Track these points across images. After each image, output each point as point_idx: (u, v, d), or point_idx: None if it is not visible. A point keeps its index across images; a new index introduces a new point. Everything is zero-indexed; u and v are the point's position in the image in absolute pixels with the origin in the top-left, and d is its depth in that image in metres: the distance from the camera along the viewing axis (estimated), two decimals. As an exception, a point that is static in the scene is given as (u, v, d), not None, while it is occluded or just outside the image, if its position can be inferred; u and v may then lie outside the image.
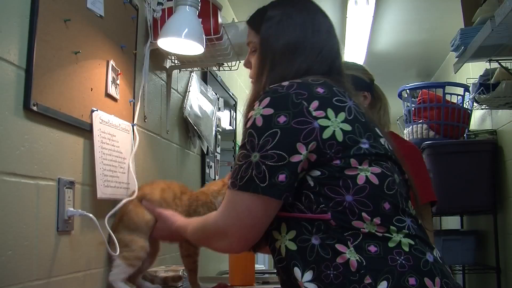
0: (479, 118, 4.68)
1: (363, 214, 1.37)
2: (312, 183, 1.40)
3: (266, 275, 2.96)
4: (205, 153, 3.59)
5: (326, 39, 1.63)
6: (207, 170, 3.64)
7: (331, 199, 1.37)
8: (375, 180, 1.40)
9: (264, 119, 1.40)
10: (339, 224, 1.36)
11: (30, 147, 1.64)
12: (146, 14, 2.57)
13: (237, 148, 4.59)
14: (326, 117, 1.41)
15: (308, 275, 1.36)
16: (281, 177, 1.37)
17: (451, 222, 5.28)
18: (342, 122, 1.42)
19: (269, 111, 1.40)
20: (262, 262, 5.24)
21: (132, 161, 2.28)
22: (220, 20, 2.61)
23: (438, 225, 5.50)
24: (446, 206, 3.85)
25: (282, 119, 1.39)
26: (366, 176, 1.39)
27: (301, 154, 1.38)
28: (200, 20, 2.42)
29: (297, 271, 1.38)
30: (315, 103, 1.42)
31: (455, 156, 3.90)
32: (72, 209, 1.83)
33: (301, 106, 1.41)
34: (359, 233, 1.36)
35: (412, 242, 1.38)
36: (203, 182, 3.57)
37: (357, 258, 1.33)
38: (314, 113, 1.40)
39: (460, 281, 4.77)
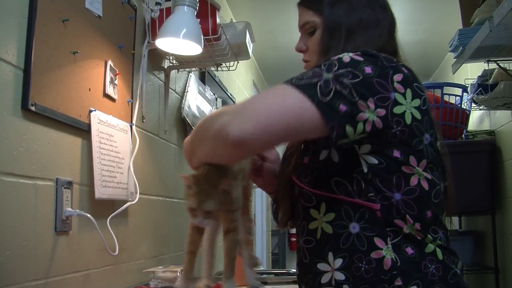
0: (477, 118, 4.69)
1: (407, 216, 1.33)
2: (366, 169, 1.32)
3: (264, 276, 2.96)
4: (203, 153, 3.58)
5: (391, 15, 1.58)
6: (205, 171, 3.62)
7: (380, 192, 1.32)
8: (425, 186, 1.36)
9: (351, 60, 1.30)
10: (384, 217, 1.32)
11: (28, 147, 1.64)
12: (144, 14, 2.57)
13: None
14: (404, 95, 1.34)
15: (338, 262, 1.34)
16: (342, 107, 1.24)
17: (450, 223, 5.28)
18: (415, 108, 1.36)
19: (359, 57, 1.30)
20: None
21: (132, 162, 2.28)
22: (218, 21, 2.61)
23: (436, 226, 5.50)
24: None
25: (368, 69, 1.28)
26: (419, 179, 1.35)
27: (369, 109, 1.27)
28: (198, 20, 2.42)
29: (330, 256, 1.35)
30: (399, 76, 1.34)
31: (453, 157, 3.87)
32: (70, 209, 1.83)
33: (387, 70, 1.32)
34: (401, 232, 1.32)
35: (446, 252, 1.38)
36: (201, 182, 3.56)
37: (393, 257, 1.30)
38: (395, 85, 1.32)
39: (458, 282, 4.77)
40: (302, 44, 1.60)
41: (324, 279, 1.36)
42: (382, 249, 1.31)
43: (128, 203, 2.23)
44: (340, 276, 1.33)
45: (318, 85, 1.24)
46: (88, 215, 1.87)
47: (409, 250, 1.32)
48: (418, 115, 1.36)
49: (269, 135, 1.23)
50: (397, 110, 1.32)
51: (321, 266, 1.37)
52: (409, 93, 1.35)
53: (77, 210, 1.85)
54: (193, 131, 1.40)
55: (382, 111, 1.29)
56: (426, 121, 1.39)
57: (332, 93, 1.24)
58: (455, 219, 4.93)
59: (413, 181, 1.34)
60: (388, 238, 1.32)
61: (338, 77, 1.26)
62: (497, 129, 4.18)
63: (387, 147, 1.32)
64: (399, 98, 1.32)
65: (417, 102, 1.36)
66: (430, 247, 1.34)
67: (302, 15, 1.59)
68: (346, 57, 1.31)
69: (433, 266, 1.32)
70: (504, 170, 4.02)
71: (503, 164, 4.03)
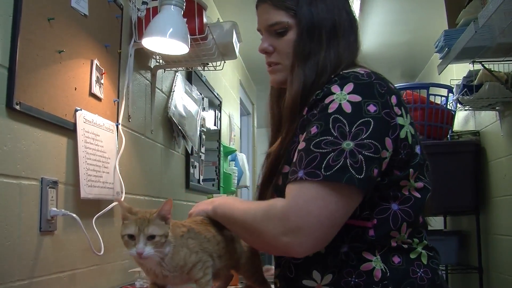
0: (462, 119, 4.71)
1: (404, 224, 1.34)
2: None
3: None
4: (190, 153, 3.59)
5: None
6: (191, 170, 3.63)
7: (377, 206, 1.33)
8: (417, 195, 1.38)
9: (352, 105, 1.27)
10: (376, 234, 1.33)
11: (13, 147, 1.63)
12: (131, 13, 2.56)
13: (222, 148, 4.59)
14: (402, 115, 1.35)
15: (327, 279, 1.34)
16: (375, 171, 1.25)
17: (434, 223, 5.30)
18: (409, 124, 1.37)
19: (357, 97, 1.28)
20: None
21: (118, 161, 2.27)
22: (205, 20, 2.60)
23: (422, 226, 5.52)
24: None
25: (372, 108, 1.27)
26: (409, 190, 1.37)
27: (388, 150, 1.28)
28: (185, 19, 2.41)
29: (316, 274, 1.35)
30: (394, 98, 1.34)
31: (439, 157, 3.91)
32: (55, 209, 1.82)
33: (386, 98, 1.32)
34: (388, 245, 1.34)
35: (431, 254, 1.40)
36: (187, 182, 3.56)
37: (382, 267, 1.31)
38: (395, 109, 1.33)
39: (443, 281, 4.79)
40: (267, 45, 1.52)
41: None
42: (372, 261, 1.32)
43: (114, 203, 2.22)
44: None
45: (349, 165, 1.22)
46: (74, 215, 1.86)
47: (396, 259, 1.33)
48: (412, 130, 1.38)
49: (331, 238, 1.27)
50: (402, 134, 1.33)
51: (307, 282, 1.37)
52: (403, 111, 1.36)
53: (62, 210, 1.84)
54: (230, 214, 1.44)
55: (394, 142, 1.31)
56: (415, 131, 1.40)
57: (363, 163, 1.23)
58: (440, 219, 4.95)
59: (405, 191, 1.36)
60: (376, 251, 1.33)
61: (358, 140, 1.24)
62: (482, 129, 4.20)
63: (390, 168, 1.33)
64: (400, 120, 1.34)
65: (409, 117, 1.38)
66: (416, 251, 1.37)
67: (270, 14, 1.49)
68: (346, 104, 1.28)
69: (421, 271, 1.34)
70: (488, 171, 4.04)
71: (488, 164, 4.05)
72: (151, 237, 1.31)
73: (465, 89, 3.58)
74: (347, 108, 1.27)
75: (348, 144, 1.23)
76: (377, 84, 1.33)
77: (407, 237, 1.36)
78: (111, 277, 2.28)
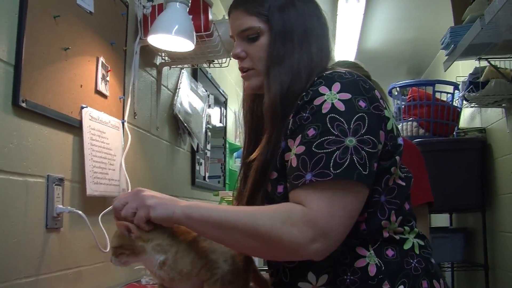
0: (468, 116, 4.70)
1: (392, 212, 1.36)
2: None
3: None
4: (195, 150, 3.59)
5: (328, 28, 1.55)
6: (197, 167, 3.63)
7: (369, 199, 1.32)
8: (401, 183, 1.41)
9: (345, 103, 1.28)
10: (368, 227, 1.34)
11: (18, 144, 1.64)
12: (136, 10, 2.57)
13: (227, 145, 4.58)
14: (386, 108, 1.38)
15: (323, 279, 1.34)
16: (375, 165, 1.29)
17: (440, 220, 5.30)
18: (393, 116, 1.41)
19: (346, 95, 1.30)
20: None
21: (124, 158, 2.28)
22: (210, 17, 2.60)
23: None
24: (435, 203, 3.86)
25: (362, 104, 1.30)
26: (394, 179, 1.39)
27: (381, 143, 1.32)
28: (191, 17, 2.41)
29: (311, 276, 1.35)
30: (377, 93, 1.37)
31: (445, 154, 3.91)
32: (61, 206, 1.82)
33: (371, 93, 1.34)
34: (380, 237, 1.35)
35: (422, 243, 1.41)
36: (193, 179, 3.56)
37: (377, 262, 1.32)
38: (381, 102, 1.36)
39: (448, 279, 4.79)
40: (240, 51, 1.52)
41: None
42: (366, 256, 1.33)
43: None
44: None
45: (356, 161, 1.23)
46: (80, 212, 1.86)
47: (390, 252, 1.34)
48: (395, 122, 1.41)
49: (345, 236, 1.26)
50: (389, 126, 1.37)
51: (302, 285, 1.37)
52: (386, 105, 1.40)
53: (68, 207, 1.85)
54: (218, 215, 1.30)
55: (385, 136, 1.34)
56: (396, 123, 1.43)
57: (366, 160, 1.25)
58: (446, 216, 4.95)
59: (391, 181, 1.38)
60: (370, 245, 1.34)
61: (359, 136, 1.26)
62: (488, 126, 4.19)
63: (378, 161, 1.34)
64: (387, 113, 1.37)
65: (391, 110, 1.41)
66: (409, 242, 1.38)
67: (242, 20, 1.50)
68: (338, 103, 1.29)
69: (414, 261, 1.35)
70: (494, 168, 4.04)
71: (494, 161, 4.05)
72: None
73: (471, 86, 3.57)
74: (341, 107, 1.28)
75: (350, 141, 1.24)
76: (360, 80, 1.35)
77: (398, 225, 1.38)
78: (116, 275, 2.28)
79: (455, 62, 3.44)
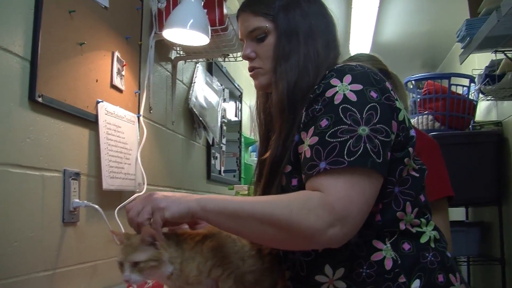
0: (484, 109, 4.66)
1: (407, 204, 1.36)
2: None
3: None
4: (211, 144, 3.59)
5: (334, 21, 1.58)
6: (212, 161, 3.64)
7: (382, 189, 1.32)
8: (415, 174, 1.41)
9: (356, 94, 1.30)
10: (383, 218, 1.34)
11: (35, 139, 1.65)
12: (151, 5, 2.57)
13: (243, 139, 4.59)
14: (397, 100, 1.39)
15: (339, 273, 1.34)
16: (388, 154, 1.30)
17: (456, 214, 5.27)
18: (404, 108, 1.41)
19: (358, 86, 1.31)
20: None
21: (139, 153, 2.28)
22: (225, 11, 2.60)
23: (443, 216, 5.48)
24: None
25: (373, 94, 1.31)
26: (408, 170, 1.40)
27: (394, 133, 1.33)
28: (205, 10, 2.41)
29: (328, 269, 1.36)
30: (388, 84, 1.39)
31: (460, 148, 3.88)
32: (77, 200, 1.83)
33: (382, 84, 1.36)
34: (397, 230, 1.35)
35: (438, 236, 1.41)
36: (208, 173, 3.57)
37: (393, 255, 1.32)
38: (392, 93, 1.37)
39: (464, 273, 4.77)
40: (249, 51, 1.55)
41: None
42: (382, 250, 1.33)
43: (136, 194, 2.23)
44: (341, 284, 1.34)
45: (369, 150, 1.24)
46: (96, 206, 1.87)
47: (406, 246, 1.34)
48: (406, 114, 1.41)
49: (360, 226, 1.25)
50: (400, 116, 1.37)
51: (319, 278, 1.38)
52: (397, 96, 1.40)
53: (85, 201, 1.86)
54: (233, 207, 1.29)
55: (397, 126, 1.35)
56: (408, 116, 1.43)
57: (380, 148, 1.26)
58: (462, 210, 4.92)
59: (404, 172, 1.38)
60: (386, 239, 1.34)
61: (372, 125, 1.27)
62: (505, 119, 4.16)
63: (391, 152, 1.34)
64: (398, 104, 1.38)
65: (407, 102, 1.41)
66: (426, 236, 1.38)
67: (250, 21, 1.54)
68: (350, 93, 1.30)
69: (430, 254, 1.35)
70: (511, 161, 4.01)
71: (510, 155, 4.01)
72: (135, 264, 1.28)
73: (487, 78, 3.54)
74: (352, 97, 1.30)
75: (363, 130, 1.25)
76: (371, 72, 1.37)
77: (414, 217, 1.38)
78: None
79: (471, 55, 3.41)
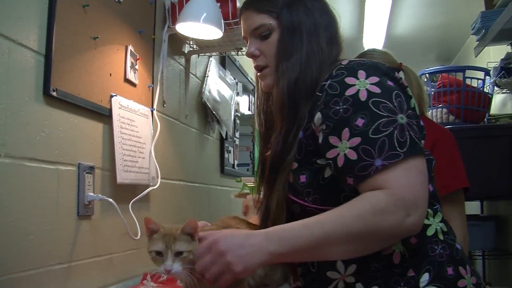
0: (499, 102, 4.63)
1: None
2: None
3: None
4: (224, 138, 3.60)
5: (337, 22, 1.58)
6: (226, 155, 3.64)
7: None
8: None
9: (378, 85, 1.29)
10: None
11: (50, 133, 1.65)
12: (164, -1, 2.57)
13: (256, 133, 4.59)
14: (408, 88, 1.40)
15: (351, 269, 1.34)
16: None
17: (471, 207, 5.24)
18: (413, 97, 1.42)
19: (375, 79, 1.31)
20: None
21: (153, 146, 2.29)
22: (238, 4, 2.60)
23: (458, 210, 5.46)
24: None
25: (390, 83, 1.32)
26: None
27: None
28: (219, 4, 2.41)
29: (340, 265, 1.35)
30: (397, 74, 1.39)
31: (475, 141, 3.86)
32: (92, 194, 1.84)
33: (392, 73, 1.36)
34: None
35: (445, 229, 1.40)
36: (222, 167, 3.57)
37: (401, 249, 1.32)
38: (402, 81, 1.38)
39: (480, 267, 4.75)
40: (254, 49, 1.55)
41: (332, 285, 1.38)
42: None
43: (150, 188, 2.24)
44: (351, 279, 1.34)
45: (414, 137, 1.26)
46: (110, 200, 1.88)
47: (413, 240, 1.33)
48: (416, 103, 1.42)
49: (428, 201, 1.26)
50: (411, 103, 1.37)
51: (331, 274, 1.37)
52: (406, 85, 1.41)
53: (99, 195, 1.87)
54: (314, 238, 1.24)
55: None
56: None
57: (417, 134, 1.29)
58: (477, 204, 4.90)
59: None
60: None
61: (405, 112, 1.29)
62: (520, 112, 4.13)
63: None
64: (409, 91, 1.39)
65: (424, 94, 1.42)
66: (432, 228, 1.37)
67: (253, 19, 1.54)
68: (372, 87, 1.29)
69: (439, 247, 1.35)
70: (527, 154, 3.97)
71: (526, 148, 3.98)
72: (178, 254, 1.29)
73: (503, 71, 3.52)
74: (376, 90, 1.29)
75: (402, 118, 1.26)
76: (379, 64, 1.37)
77: None
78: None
79: (486, 47, 3.40)
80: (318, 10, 1.52)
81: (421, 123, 1.42)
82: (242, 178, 2.33)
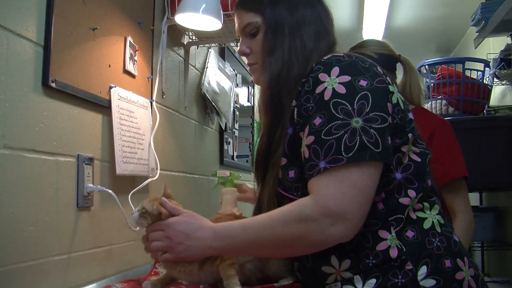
0: (499, 94, 4.63)
1: (410, 190, 1.36)
2: None
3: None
4: (223, 129, 3.60)
5: (329, 11, 1.61)
6: (225, 147, 3.64)
7: (383, 178, 1.33)
8: (417, 159, 1.40)
9: (345, 86, 1.31)
10: (386, 207, 1.35)
11: (49, 124, 1.65)
12: (164, -11, 2.57)
13: (255, 125, 4.59)
14: (391, 84, 1.40)
15: (346, 264, 1.35)
16: (389, 139, 1.31)
17: (470, 199, 5.25)
18: (397, 92, 1.43)
19: (346, 78, 1.32)
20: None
21: (152, 138, 2.29)
22: (237, -4, 2.59)
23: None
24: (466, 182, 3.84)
25: (363, 82, 1.32)
26: (409, 155, 1.40)
27: (390, 115, 1.34)
28: (218, -5, 2.40)
29: (334, 260, 1.37)
30: (380, 69, 1.40)
31: (475, 132, 3.85)
32: (91, 185, 1.84)
33: (372, 70, 1.37)
34: (403, 217, 1.35)
35: (442, 221, 1.41)
36: (221, 158, 3.57)
37: (398, 244, 1.32)
38: (383, 77, 1.38)
39: (479, 258, 4.76)
40: (244, 47, 1.62)
41: (330, 280, 1.39)
42: (387, 239, 1.33)
43: (149, 179, 2.24)
44: (348, 275, 1.35)
45: (366, 141, 1.25)
46: (110, 191, 1.88)
47: (410, 233, 1.35)
48: (402, 97, 1.43)
49: (366, 216, 1.28)
50: (394, 99, 1.38)
51: (326, 269, 1.39)
52: (389, 80, 1.41)
53: (99, 186, 1.87)
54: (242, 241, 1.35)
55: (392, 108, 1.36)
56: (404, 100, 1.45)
57: (377, 137, 1.27)
58: (476, 195, 4.90)
59: (405, 158, 1.39)
60: (392, 228, 1.35)
61: (364, 116, 1.28)
62: (520, 104, 4.13)
63: (390, 137, 1.35)
64: (391, 88, 1.39)
65: (396, 87, 1.43)
66: (428, 221, 1.38)
67: (242, 18, 1.60)
68: (339, 87, 1.31)
69: (437, 240, 1.36)
70: (526, 146, 3.97)
71: (526, 139, 3.98)
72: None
73: (503, 63, 3.52)
74: (341, 90, 1.31)
75: (357, 122, 1.26)
76: (358, 61, 1.38)
77: (417, 202, 1.38)
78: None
79: (486, 39, 3.39)
80: (304, 5, 1.54)
81: (410, 116, 1.43)
82: (217, 171, 2.40)
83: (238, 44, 2.95)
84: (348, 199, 1.23)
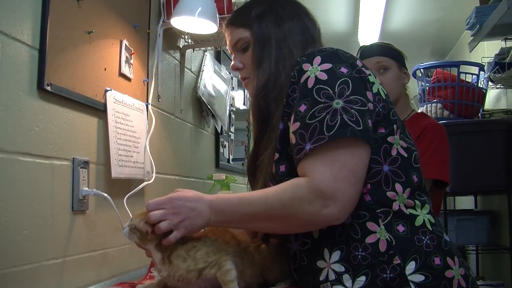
0: (494, 97, 4.64)
1: (397, 184, 1.38)
2: None
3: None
4: (219, 132, 3.60)
5: (316, 21, 1.65)
6: (221, 150, 3.64)
7: (370, 169, 1.37)
8: (404, 153, 1.43)
9: (327, 72, 1.36)
10: (373, 199, 1.37)
11: (44, 127, 1.65)
12: (159, -7, 2.57)
13: (251, 128, 4.58)
14: (371, 75, 1.43)
15: (336, 256, 1.37)
16: (370, 122, 1.34)
17: (465, 202, 5.26)
18: (379, 83, 1.46)
19: (327, 65, 1.37)
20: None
21: (148, 141, 2.29)
22: (233, -1, 2.60)
23: (452, 205, 5.48)
24: (460, 186, 3.83)
25: (344, 70, 1.37)
26: (397, 149, 1.42)
27: (372, 103, 1.38)
28: (214, -1, 2.41)
29: (326, 253, 1.38)
30: (359, 62, 1.43)
31: (470, 136, 3.87)
32: (86, 188, 1.84)
33: (351, 60, 1.41)
34: (391, 210, 1.37)
35: (433, 220, 1.42)
36: (217, 161, 3.57)
37: (387, 237, 1.34)
38: (363, 69, 1.42)
39: (473, 261, 4.77)
40: (237, 63, 1.65)
41: (322, 275, 1.39)
42: (376, 232, 1.35)
43: (145, 183, 2.24)
44: (339, 268, 1.36)
45: (346, 119, 1.29)
46: (105, 195, 1.88)
47: (400, 228, 1.36)
48: (382, 87, 1.47)
49: (359, 196, 1.33)
50: (374, 89, 1.42)
51: (320, 263, 1.40)
52: (370, 71, 1.45)
53: (94, 190, 1.86)
54: (245, 211, 1.38)
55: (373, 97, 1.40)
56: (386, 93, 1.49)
57: (357, 116, 1.30)
58: (471, 199, 4.91)
59: (393, 151, 1.41)
60: (380, 220, 1.36)
61: (345, 97, 1.33)
62: (514, 108, 4.14)
63: (375, 127, 1.39)
64: (371, 78, 1.43)
65: (376, 77, 1.46)
66: (420, 219, 1.39)
67: (233, 34, 1.64)
68: (321, 74, 1.36)
69: (427, 237, 1.37)
70: (521, 149, 3.98)
71: (520, 143, 3.99)
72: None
73: (497, 66, 3.52)
74: (323, 76, 1.36)
75: (337, 103, 1.31)
76: (340, 51, 1.43)
77: (407, 197, 1.40)
78: (142, 256, 2.28)
79: (480, 42, 3.41)
80: (290, 16, 1.59)
81: (391, 105, 1.46)
82: (213, 174, 2.40)
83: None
84: (339, 181, 1.28)
